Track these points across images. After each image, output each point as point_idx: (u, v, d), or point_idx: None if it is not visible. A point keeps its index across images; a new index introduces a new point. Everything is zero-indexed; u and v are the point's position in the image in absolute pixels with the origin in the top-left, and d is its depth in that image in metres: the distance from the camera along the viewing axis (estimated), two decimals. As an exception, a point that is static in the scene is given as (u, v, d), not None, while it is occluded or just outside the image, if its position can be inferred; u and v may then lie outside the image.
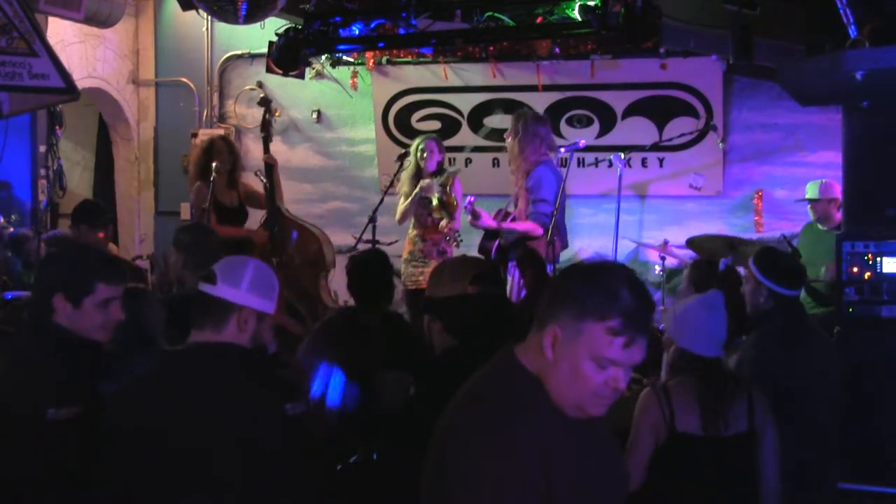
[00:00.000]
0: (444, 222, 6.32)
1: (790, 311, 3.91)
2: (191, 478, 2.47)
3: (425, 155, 6.40)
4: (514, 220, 5.99)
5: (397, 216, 6.51)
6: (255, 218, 6.46)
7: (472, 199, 5.94)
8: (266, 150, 6.35)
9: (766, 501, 3.16)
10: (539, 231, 5.81)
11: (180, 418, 2.50)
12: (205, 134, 7.92)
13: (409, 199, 6.41)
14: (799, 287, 3.99)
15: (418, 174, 6.46)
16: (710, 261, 4.87)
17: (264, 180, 6.24)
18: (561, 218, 6.05)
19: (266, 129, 6.40)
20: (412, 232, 6.55)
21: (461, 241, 6.40)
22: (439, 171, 6.46)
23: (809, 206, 6.43)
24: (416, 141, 6.55)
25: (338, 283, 6.55)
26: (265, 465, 2.50)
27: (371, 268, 4.28)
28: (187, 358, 2.67)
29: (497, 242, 6.05)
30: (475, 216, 5.90)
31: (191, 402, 2.52)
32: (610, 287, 1.89)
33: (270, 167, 6.29)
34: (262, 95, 6.56)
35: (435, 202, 6.29)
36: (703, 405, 3.15)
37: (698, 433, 3.15)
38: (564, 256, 6.34)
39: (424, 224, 6.47)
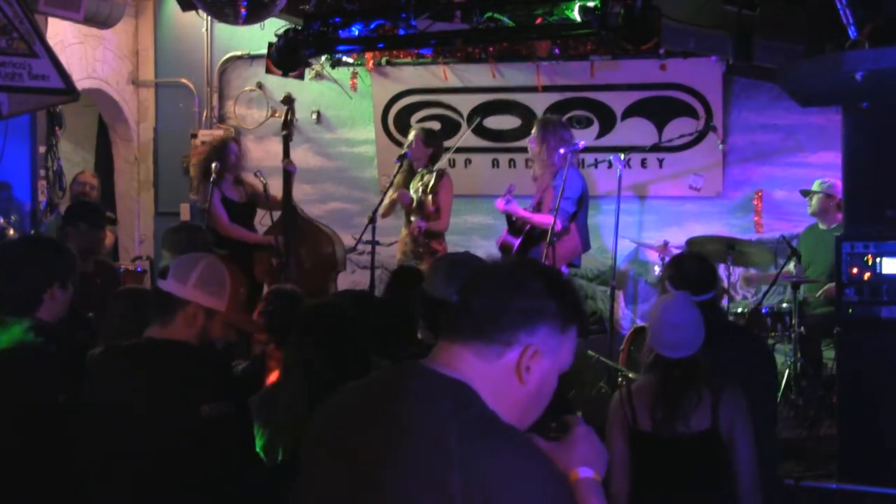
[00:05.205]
0: (413, 221, 6.34)
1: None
2: (112, 468, 2.60)
3: (412, 144, 6.46)
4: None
5: (381, 210, 6.46)
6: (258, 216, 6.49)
7: (513, 187, 6.25)
8: (286, 153, 6.33)
9: (744, 501, 3.16)
10: (558, 226, 5.94)
11: (105, 411, 2.64)
12: (207, 135, 7.93)
13: (390, 199, 6.45)
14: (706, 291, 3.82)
15: (410, 167, 6.52)
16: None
17: (264, 180, 6.24)
18: (584, 219, 6.24)
19: (287, 127, 6.37)
20: (404, 231, 6.59)
21: (425, 244, 6.40)
22: (430, 165, 6.48)
23: (810, 198, 6.43)
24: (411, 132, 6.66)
25: (339, 283, 6.59)
26: (177, 464, 2.57)
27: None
28: (123, 353, 2.78)
29: (521, 239, 6.12)
30: (507, 202, 6.16)
31: (115, 396, 2.64)
32: (567, 289, 1.73)
33: (289, 173, 6.28)
34: (287, 93, 6.52)
35: (414, 204, 6.34)
36: (655, 405, 3.18)
37: (652, 431, 3.18)
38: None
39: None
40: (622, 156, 6.73)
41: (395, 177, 6.48)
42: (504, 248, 6.23)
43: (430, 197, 6.35)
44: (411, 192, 6.47)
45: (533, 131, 6.30)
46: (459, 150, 7.35)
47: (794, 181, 6.98)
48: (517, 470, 1.55)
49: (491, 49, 7.56)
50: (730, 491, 3.16)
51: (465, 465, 1.51)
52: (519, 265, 1.78)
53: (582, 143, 6.23)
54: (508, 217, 6.28)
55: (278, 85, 7.63)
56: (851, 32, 4.48)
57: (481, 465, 1.52)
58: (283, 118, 6.43)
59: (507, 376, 1.65)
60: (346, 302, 3.13)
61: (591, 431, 1.80)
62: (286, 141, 6.35)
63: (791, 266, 6.12)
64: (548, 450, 1.70)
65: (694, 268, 3.87)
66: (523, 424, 1.69)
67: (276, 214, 6.43)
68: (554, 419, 1.79)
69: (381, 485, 1.56)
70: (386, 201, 6.47)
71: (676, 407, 3.14)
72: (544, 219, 6.02)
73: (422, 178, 6.43)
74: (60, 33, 7.21)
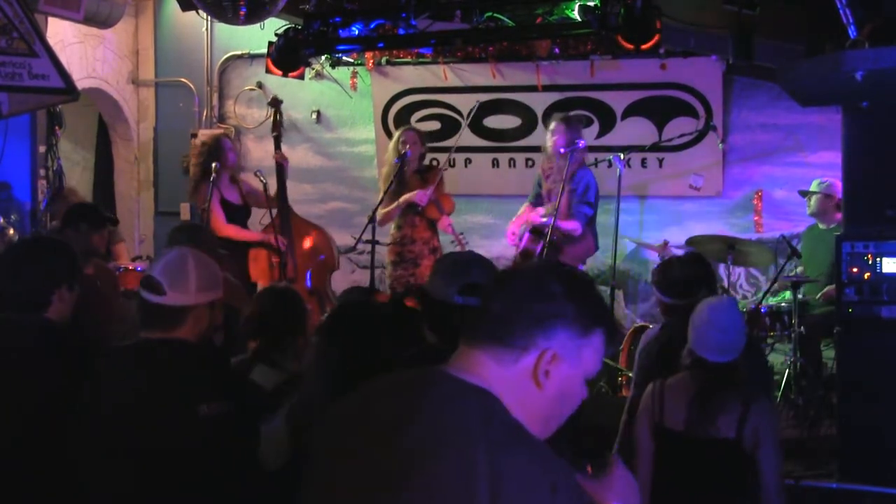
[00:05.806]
0: (442, 221, 6.30)
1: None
2: (112, 468, 2.62)
3: (408, 146, 6.30)
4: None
5: (379, 217, 6.25)
6: (255, 216, 6.48)
7: (542, 210, 6.32)
8: (277, 147, 6.41)
9: None
10: (579, 231, 6.04)
11: (105, 410, 2.65)
12: (207, 134, 7.91)
13: (396, 203, 6.32)
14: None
15: (401, 169, 6.33)
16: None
17: (264, 180, 6.24)
18: (595, 220, 6.36)
19: (277, 128, 6.46)
20: (396, 232, 6.46)
21: (463, 238, 6.38)
22: (422, 166, 6.44)
23: (808, 199, 6.43)
24: (396, 134, 6.54)
25: (337, 283, 6.58)
26: (177, 464, 2.57)
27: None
28: (122, 353, 2.79)
29: (542, 245, 6.11)
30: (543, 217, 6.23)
31: (114, 396, 2.65)
32: (589, 291, 1.69)
33: (282, 167, 6.30)
34: (273, 96, 6.60)
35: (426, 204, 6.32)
36: (690, 404, 3.19)
37: (682, 431, 3.19)
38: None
39: (412, 224, 6.40)
40: (622, 155, 6.73)
41: (394, 178, 6.38)
42: (526, 254, 6.24)
43: (445, 193, 6.40)
44: (410, 193, 6.39)
45: (552, 129, 6.31)
46: (459, 149, 7.34)
47: (794, 181, 6.98)
48: (541, 481, 1.51)
49: (491, 49, 7.56)
50: (753, 499, 3.17)
51: (491, 477, 1.47)
52: (539, 268, 1.73)
53: (582, 143, 6.23)
54: (534, 227, 6.31)
55: (278, 84, 7.63)
56: (851, 32, 4.48)
57: (506, 476, 1.48)
58: (272, 120, 6.51)
59: (526, 382, 1.60)
60: (359, 300, 3.12)
61: (629, 473, 1.77)
62: (277, 141, 6.47)
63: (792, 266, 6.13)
64: (584, 485, 1.66)
65: (679, 271, 3.89)
66: (545, 434, 1.64)
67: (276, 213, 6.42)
68: (592, 459, 1.76)
69: (400, 493, 1.51)
70: (392, 205, 6.36)
71: (709, 406, 3.16)
72: (570, 225, 6.10)
73: (423, 179, 6.39)
74: (60, 33, 7.21)
